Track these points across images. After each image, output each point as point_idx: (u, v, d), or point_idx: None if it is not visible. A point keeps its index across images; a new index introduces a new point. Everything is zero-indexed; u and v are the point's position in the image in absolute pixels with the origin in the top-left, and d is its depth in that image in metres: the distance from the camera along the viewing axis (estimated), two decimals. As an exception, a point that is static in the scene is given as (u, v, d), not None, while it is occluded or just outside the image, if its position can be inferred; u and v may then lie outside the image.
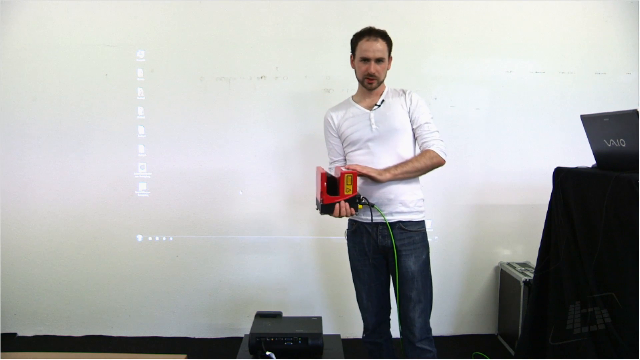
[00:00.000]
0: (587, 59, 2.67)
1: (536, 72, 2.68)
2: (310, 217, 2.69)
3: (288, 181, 2.70)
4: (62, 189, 2.70)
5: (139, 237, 2.74)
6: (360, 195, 1.73)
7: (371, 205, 1.77)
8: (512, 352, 2.52)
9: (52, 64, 2.63)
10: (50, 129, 2.66)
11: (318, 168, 1.76)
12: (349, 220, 1.95)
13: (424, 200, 1.89)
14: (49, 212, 2.71)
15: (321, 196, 1.69)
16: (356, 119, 1.87)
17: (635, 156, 1.49)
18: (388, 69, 1.89)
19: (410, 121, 1.84)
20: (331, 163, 1.98)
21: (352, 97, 1.97)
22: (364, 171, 1.74)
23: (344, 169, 1.70)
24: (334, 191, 1.69)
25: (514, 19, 2.65)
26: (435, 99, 2.66)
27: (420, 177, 1.88)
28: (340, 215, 1.71)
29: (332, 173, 1.85)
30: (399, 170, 1.78)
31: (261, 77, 2.64)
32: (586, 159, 1.78)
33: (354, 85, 2.68)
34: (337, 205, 1.69)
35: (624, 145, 1.54)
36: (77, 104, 2.65)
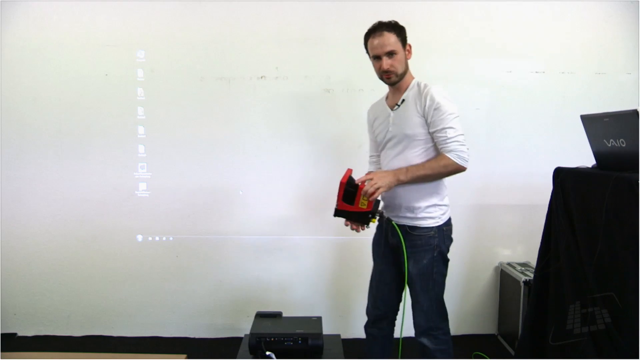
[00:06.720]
0: (587, 59, 2.67)
1: (536, 72, 2.68)
2: (310, 217, 2.69)
3: (288, 181, 2.69)
4: (62, 189, 2.69)
5: (139, 237, 2.74)
6: (375, 211, 1.72)
7: (389, 220, 1.83)
8: (512, 352, 2.53)
9: (52, 64, 2.62)
10: (50, 129, 2.66)
11: (348, 170, 1.72)
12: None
13: (439, 206, 1.80)
14: (49, 212, 2.71)
15: (337, 201, 1.73)
16: (382, 119, 1.88)
17: (635, 156, 1.49)
18: (408, 58, 1.82)
19: (427, 124, 1.74)
20: (370, 157, 2.03)
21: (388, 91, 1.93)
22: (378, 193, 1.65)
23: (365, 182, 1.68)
24: (351, 199, 1.70)
25: (514, 19, 2.64)
26: (435, 99, 2.66)
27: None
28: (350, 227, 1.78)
29: (373, 168, 1.95)
30: (409, 175, 1.71)
31: (261, 77, 2.64)
32: (586, 159, 1.78)
33: (354, 85, 2.68)
34: (349, 220, 1.76)
35: (624, 145, 1.54)
36: (77, 104, 2.65)
